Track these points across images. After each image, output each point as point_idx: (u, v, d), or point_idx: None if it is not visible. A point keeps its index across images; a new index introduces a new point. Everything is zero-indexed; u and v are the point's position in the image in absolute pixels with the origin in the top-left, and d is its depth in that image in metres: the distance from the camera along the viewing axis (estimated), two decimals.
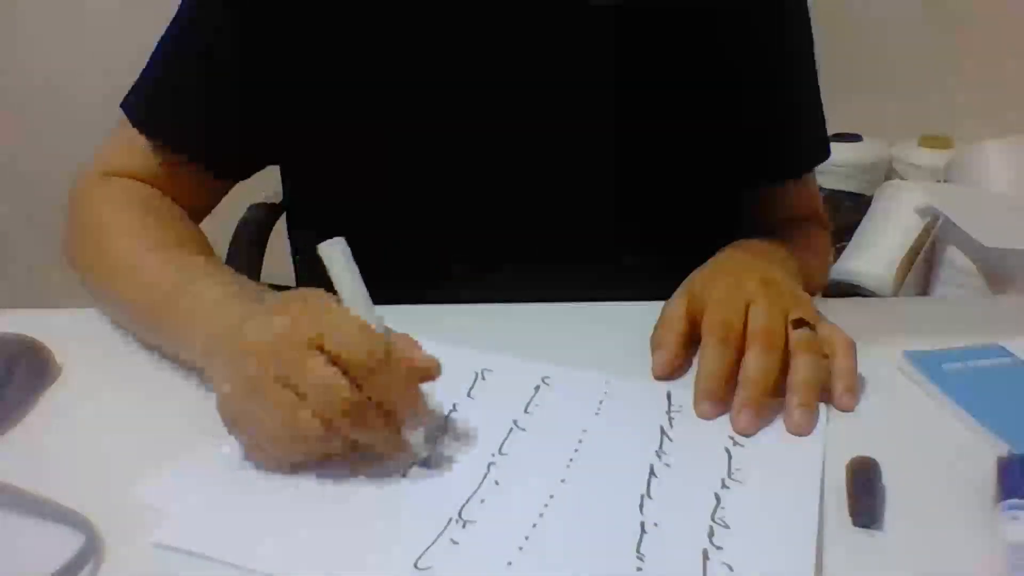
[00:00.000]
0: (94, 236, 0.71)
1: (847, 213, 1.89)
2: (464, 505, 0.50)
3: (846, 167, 1.97)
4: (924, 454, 0.56)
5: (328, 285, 0.53)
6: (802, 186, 0.90)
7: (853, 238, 1.80)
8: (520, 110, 0.74)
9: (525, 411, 0.59)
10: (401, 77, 0.73)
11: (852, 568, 0.47)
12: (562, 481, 0.52)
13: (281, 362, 0.49)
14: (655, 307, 0.68)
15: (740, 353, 0.60)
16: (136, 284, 0.65)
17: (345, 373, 0.49)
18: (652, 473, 0.53)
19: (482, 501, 0.50)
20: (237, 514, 0.49)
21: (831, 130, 0.89)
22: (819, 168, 0.91)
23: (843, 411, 0.60)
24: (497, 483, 0.52)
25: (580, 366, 0.64)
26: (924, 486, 0.53)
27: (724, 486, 0.52)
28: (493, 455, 0.54)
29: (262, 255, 1.03)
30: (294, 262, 0.89)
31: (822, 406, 0.59)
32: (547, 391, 0.61)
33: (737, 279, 0.65)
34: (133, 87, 0.77)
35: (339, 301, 0.53)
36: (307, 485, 0.51)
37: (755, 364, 0.59)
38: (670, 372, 0.63)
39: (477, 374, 0.63)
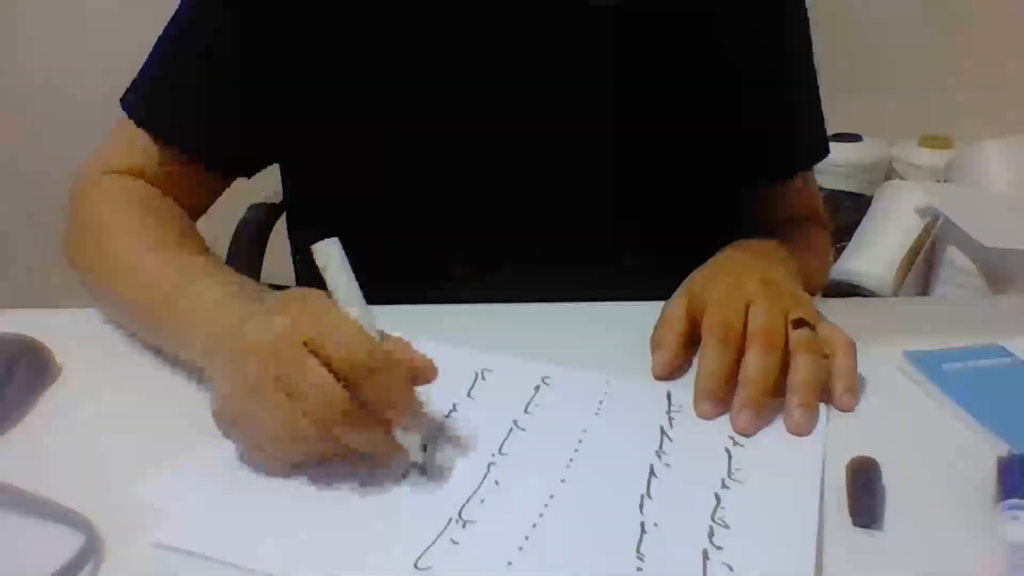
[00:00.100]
0: (94, 236, 0.71)
1: (847, 213, 1.89)
2: (464, 505, 0.50)
3: (846, 167, 1.98)
4: (924, 454, 0.56)
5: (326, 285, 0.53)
6: (802, 186, 0.91)
7: (853, 238, 1.81)
8: (520, 110, 0.74)
9: (525, 411, 0.59)
10: (401, 77, 0.73)
11: (852, 568, 0.47)
12: (562, 481, 0.52)
13: (281, 362, 0.49)
14: (655, 307, 0.68)
15: (740, 353, 0.60)
16: (136, 284, 0.65)
17: (343, 376, 0.49)
18: (652, 473, 0.53)
19: (482, 501, 0.50)
20: (237, 514, 0.49)
21: (831, 130, 0.89)
22: (819, 168, 0.91)
23: (843, 411, 0.60)
24: (497, 483, 0.52)
25: (580, 366, 0.64)
26: (924, 486, 0.53)
27: (724, 486, 0.52)
28: (493, 455, 0.54)
29: (262, 255, 1.03)
30: (294, 262, 0.89)
31: (822, 406, 0.59)
32: (547, 391, 0.61)
33: (737, 279, 0.65)
34: (132, 85, 0.77)
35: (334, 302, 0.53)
36: (307, 485, 0.51)
37: (755, 364, 0.59)
38: (670, 372, 0.63)
39: (477, 374, 0.63)
